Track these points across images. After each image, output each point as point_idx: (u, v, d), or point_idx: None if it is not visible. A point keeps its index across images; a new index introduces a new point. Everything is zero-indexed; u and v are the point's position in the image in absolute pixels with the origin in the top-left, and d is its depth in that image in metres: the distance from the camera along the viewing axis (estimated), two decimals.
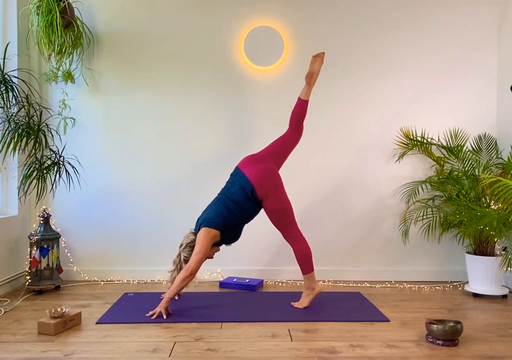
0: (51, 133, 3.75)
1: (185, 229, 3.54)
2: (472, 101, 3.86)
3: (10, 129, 3.25)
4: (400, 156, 3.84)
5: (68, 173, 3.57)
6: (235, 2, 3.83)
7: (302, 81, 3.83)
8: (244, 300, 3.23)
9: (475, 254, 3.42)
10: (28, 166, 3.34)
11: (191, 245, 3.00)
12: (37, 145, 3.36)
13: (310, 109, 3.84)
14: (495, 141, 3.78)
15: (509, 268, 3.05)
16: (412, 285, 3.70)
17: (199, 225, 3.02)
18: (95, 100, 3.84)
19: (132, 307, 3.04)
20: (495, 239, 3.35)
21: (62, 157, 3.49)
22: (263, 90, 3.85)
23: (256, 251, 3.85)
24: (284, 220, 3.00)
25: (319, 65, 3.18)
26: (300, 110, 3.21)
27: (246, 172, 3.01)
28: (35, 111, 3.43)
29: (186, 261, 3.00)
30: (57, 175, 3.48)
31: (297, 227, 3.05)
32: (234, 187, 3.04)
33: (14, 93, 3.27)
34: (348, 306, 3.08)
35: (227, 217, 2.98)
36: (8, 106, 3.26)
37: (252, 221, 3.22)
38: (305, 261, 3.02)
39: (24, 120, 3.33)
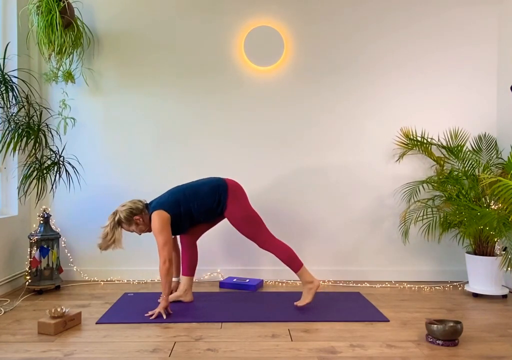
0: (51, 133, 3.75)
1: None
2: (472, 101, 3.86)
3: (10, 129, 3.25)
4: (400, 156, 3.84)
5: (68, 173, 3.57)
6: (235, 2, 3.83)
7: (302, 81, 3.84)
8: (244, 300, 3.23)
9: (475, 254, 3.42)
10: (28, 166, 3.35)
11: (132, 211, 2.93)
12: (37, 145, 3.36)
13: (311, 109, 3.86)
14: (495, 141, 3.78)
15: (509, 268, 3.05)
16: (412, 285, 3.70)
17: (152, 207, 2.96)
18: (95, 100, 3.84)
19: (132, 307, 3.04)
20: (495, 239, 3.35)
21: (62, 157, 3.49)
22: (263, 90, 3.85)
23: (256, 251, 3.85)
24: (253, 227, 2.96)
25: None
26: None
27: (225, 178, 3.07)
28: (35, 111, 3.43)
29: (119, 222, 2.92)
30: (57, 175, 3.49)
31: (268, 232, 2.99)
32: (206, 179, 3.05)
33: (14, 93, 3.27)
34: (348, 306, 3.08)
35: (179, 203, 2.94)
36: (8, 106, 3.26)
37: None
38: (291, 260, 2.98)
39: (24, 120, 3.33)
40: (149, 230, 3.03)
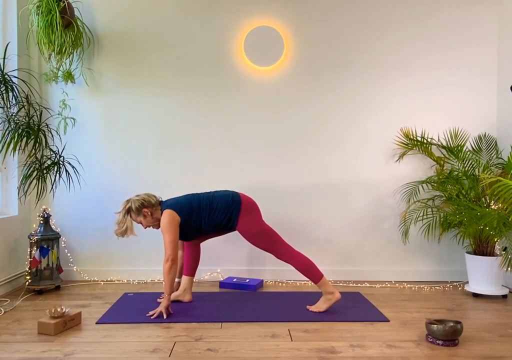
0: (51, 133, 3.75)
1: None
2: (472, 101, 3.86)
3: (10, 129, 3.25)
4: (400, 156, 3.84)
5: (68, 173, 3.57)
6: (235, 2, 3.83)
7: (302, 81, 3.84)
8: (244, 300, 3.23)
9: (475, 254, 3.42)
10: (28, 166, 3.34)
11: (143, 203, 2.96)
12: (37, 145, 3.36)
13: (311, 109, 3.85)
14: (495, 141, 3.78)
15: (509, 268, 3.05)
16: (412, 285, 3.70)
17: (165, 206, 2.98)
18: (95, 100, 3.84)
19: (132, 307, 3.04)
20: (495, 239, 3.35)
21: (62, 157, 3.49)
22: (263, 90, 3.85)
23: (256, 251, 3.84)
24: (267, 243, 2.95)
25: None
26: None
27: (240, 194, 3.07)
28: (35, 111, 3.43)
29: (129, 210, 2.96)
30: (57, 175, 3.49)
31: (285, 245, 2.98)
32: (223, 192, 3.06)
33: (14, 93, 3.27)
34: (348, 306, 3.08)
35: (192, 211, 2.96)
36: (8, 106, 3.26)
37: None
38: (310, 272, 2.95)
39: (24, 120, 3.33)
40: (156, 227, 3.04)
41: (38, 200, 3.62)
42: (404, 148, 3.80)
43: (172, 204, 2.98)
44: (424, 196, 3.80)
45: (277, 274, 3.85)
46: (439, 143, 3.80)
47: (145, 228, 3.06)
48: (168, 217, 2.90)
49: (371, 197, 3.86)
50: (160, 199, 3.08)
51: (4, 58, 3.34)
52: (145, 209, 2.97)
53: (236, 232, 3.63)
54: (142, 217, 2.99)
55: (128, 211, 2.98)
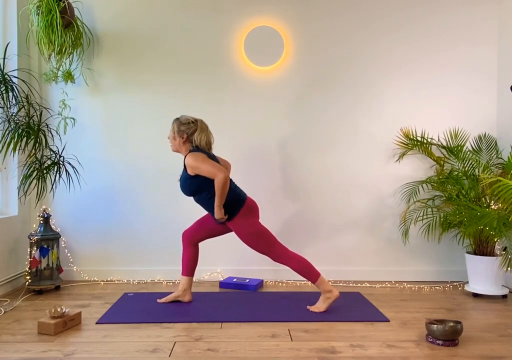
0: (51, 133, 3.75)
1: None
2: (472, 101, 3.86)
3: (10, 129, 3.25)
4: (400, 156, 3.84)
5: (68, 173, 3.57)
6: (235, 2, 3.83)
7: (302, 81, 3.84)
8: (244, 300, 3.23)
9: (475, 254, 3.42)
10: (28, 166, 3.34)
11: (191, 135, 2.99)
12: (37, 145, 3.36)
13: (311, 109, 3.85)
14: (495, 141, 3.78)
15: (509, 268, 3.06)
16: (412, 285, 3.70)
17: (196, 149, 2.99)
18: (95, 100, 3.84)
19: (132, 307, 3.04)
20: (495, 239, 3.36)
21: (62, 157, 3.49)
22: (263, 90, 3.85)
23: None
24: (263, 244, 2.97)
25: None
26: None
27: (247, 196, 3.08)
28: (35, 111, 3.43)
29: (183, 123, 2.99)
30: (57, 175, 3.49)
31: (281, 247, 2.99)
32: (237, 186, 3.07)
33: (14, 93, 3.27)
34: (348, 306, 3.08)
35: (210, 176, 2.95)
36: (8, 106, 3.26)
37: None
38: (307, 272, 2.96)
39: (24, 120, 3.33)
40: (173, 147, 3.06)
41: (38, 200, 3.62)
42: (404, 148, 3.80)
43: (202, 151, 2.97)
44: (424, 196, 3.80)
45: (277, 274, 3.85)
46: (439, 143, 3.80)
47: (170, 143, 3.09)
48: (194, 157, 2.90)
49: (371, 197, 3.86)
50: (198, 148, 3.01)
51: (4, 58, 3.34)
52: (188, 137, 2.99)
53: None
54: (178, 137, 3.00)
55: (181, 123, 2.99)
